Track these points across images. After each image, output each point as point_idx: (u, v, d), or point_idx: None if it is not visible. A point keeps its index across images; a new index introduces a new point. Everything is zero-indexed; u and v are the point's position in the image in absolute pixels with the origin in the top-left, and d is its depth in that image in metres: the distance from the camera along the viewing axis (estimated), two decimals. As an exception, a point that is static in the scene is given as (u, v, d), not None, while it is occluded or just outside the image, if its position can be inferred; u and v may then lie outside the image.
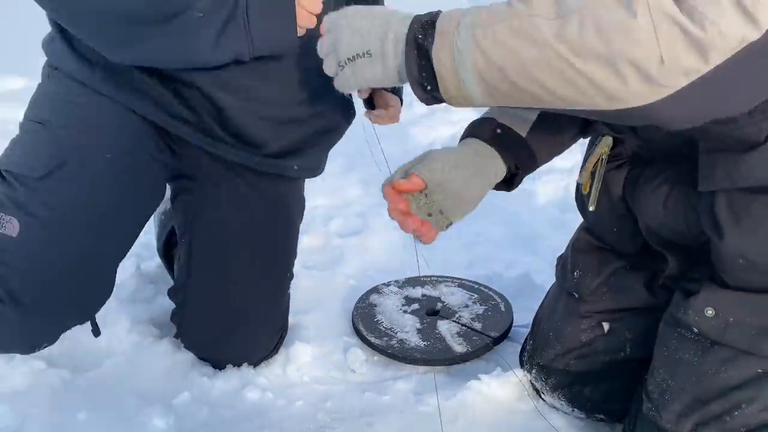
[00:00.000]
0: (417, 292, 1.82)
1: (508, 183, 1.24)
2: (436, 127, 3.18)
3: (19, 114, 1.41)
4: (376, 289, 1.84)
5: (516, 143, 1.19)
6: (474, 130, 1.21)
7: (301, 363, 1.55)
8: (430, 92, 0.95)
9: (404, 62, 0.94)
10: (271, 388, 1.47)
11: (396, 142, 3.00)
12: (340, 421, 1.38)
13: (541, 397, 1.41)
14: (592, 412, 1.36)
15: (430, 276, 1.90)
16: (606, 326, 1.33)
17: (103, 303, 1.34)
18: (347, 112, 1.56)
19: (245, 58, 1.23)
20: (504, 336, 1.63)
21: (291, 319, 1.69)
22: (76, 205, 1.23)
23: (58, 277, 1.21)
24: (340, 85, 1.03)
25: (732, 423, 1.05)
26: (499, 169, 1.18)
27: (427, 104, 0.99)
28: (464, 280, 1.87)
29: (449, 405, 1.39)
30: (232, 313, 1.48)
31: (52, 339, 1.32)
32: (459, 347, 1.59)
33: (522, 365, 1.48)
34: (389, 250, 2.11)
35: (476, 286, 1.83)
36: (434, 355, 1.57)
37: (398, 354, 1.58)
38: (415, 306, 1.76)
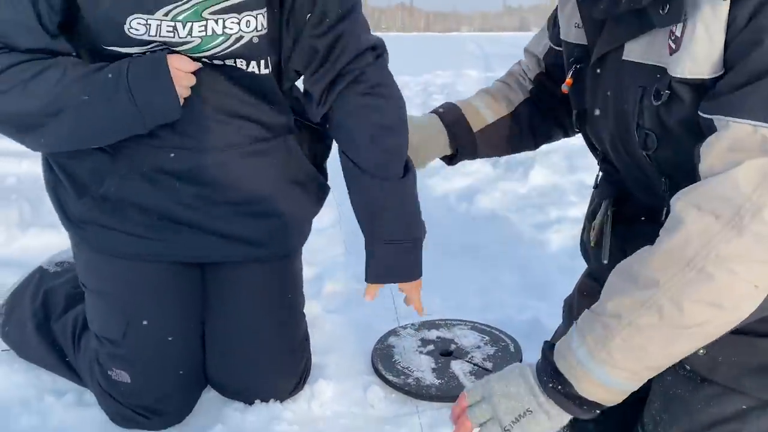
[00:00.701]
0: (432, 334, 1.95)
1: (450, 158, 1.66)
2: (451, 179, 3.33)
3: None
4: (393, 332, 1.96)
5: (465, 133, 1.58)
6: (440, 109, 1.62)
7: (324, 399, 1.67)
8: (586, 410, 1.10)
9: (560, 406, 1.09)
10: (297, 421, 1.59)
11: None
12: (359, 451, 1.48)
13: (547, 431, 1.51)
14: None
15: (445, 319, 2.02)
16: None
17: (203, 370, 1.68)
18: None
19: (142, 131, 1.40)
20: (513, 375, 1.74)
21: (314, 359, 1.82)
22: (153, 343, 1.56)
23: (172, 386, 1.59)
24: None
25: None
26: (445, 144, 1.60)
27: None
28: (477, 323, 1.99)
29: (461, 439, 1.50)
30: (251, 367, 1.63)
31: (192, 408, 1.65)
32: (471, 384, 1.69)
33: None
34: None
35: (488, 329, 1.95)
36: (448, 392, 1.68)
37: (414, 391, 1.69)
38: (431, 347, 1.88)
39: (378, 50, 1.53)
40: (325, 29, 1.45)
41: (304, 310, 1.91)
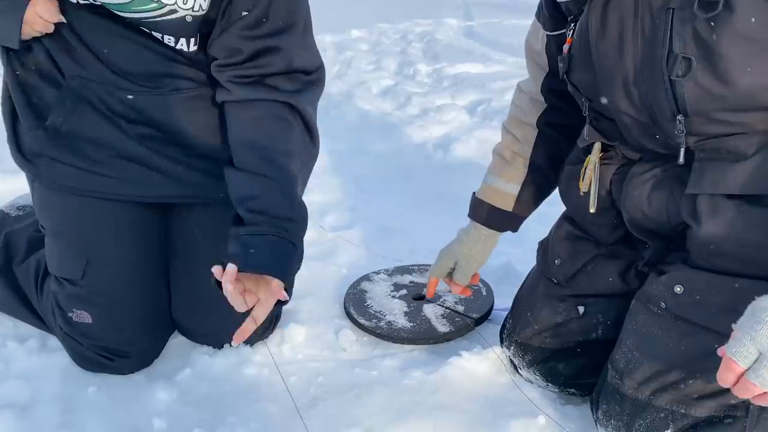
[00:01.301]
0: (405, 279, 1.94)
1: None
2: (428, 127, 3.29)
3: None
4: (366, 277, 1.95)
5: (506, 219, 1.62)
6: (473, 213, 1.66)
7: (295, 343, 1.66)
8: None
9: None
10: (267, 365, 1.58)
11: (390, 142, 3.13)
12: (331, 394, 1.48)
13: (517, 371, 1.52)
14: (564, 386, 1.46)
15: (419, 264, 2.01)
16: (581, 309, 1.44)
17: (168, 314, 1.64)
18: None
19: None
20: (485, 318, 1.74)
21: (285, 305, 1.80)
22: (114, 282, 1.53)
23: (134, 327, 1.55)
24: None
25: (686, 390, 1.16)
26: (496, 237, 1.67)
27: None
28: (450, 268, 1.98)
29: (431, 379, 1.50)
30: (218, 310, 1.54)
31: (159, 352, 1.63)
32: (442, 328, 1.70)
33: (501, 343, 1.59)
34: (379, 242, 2.22)
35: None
36: (419, 335, 1.68)
37: (386, 334, 1.69)
38: (403, 291, 1.87)
39: (312, 75, 1.46)
40: (256, 35, 1.39)
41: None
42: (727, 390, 1.11)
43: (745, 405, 1.10)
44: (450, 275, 1.69)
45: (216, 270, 1.29)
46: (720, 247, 1.17)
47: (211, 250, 1.59)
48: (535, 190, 1.59)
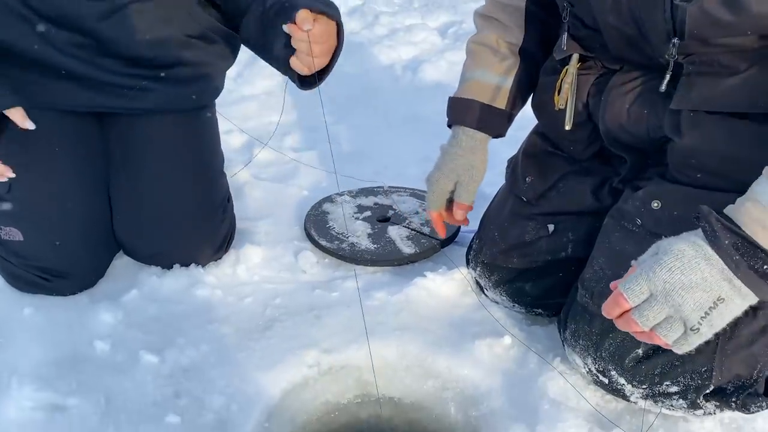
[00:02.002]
0: (369, 201, 1.84)
1: None
2: (397, 47, 3.13)
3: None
4: (329, 198, 1.85)
5: (499, 118, 1.39)
6: (460, 117, 1.40)
7: (252, 264, 1.57)
8: None
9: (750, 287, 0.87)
10: (220, 286, 1.49)
11: (357, 63, 2.97)
12: (288, 315, 1.41)
13: (483, 293, 1.46)
14: (531, 306, 1.41)
15: (383, 186, 1.92)
16: (551, 228, 1.37)
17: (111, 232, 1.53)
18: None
19: None
20: (451, 239, 1.67)
21: (241, 225, 1.70)
22: (46, 196, 1.41)
23: (71, 244, 1.43)
24: (688, 345, 0.92)
25: None
26: (487, 145, 1.43)
27: None
28: (416, 190, 1.90)
29: (395, 299, 1.44)
30: (163, 228, 1.50)
31: (102, 273, 1.52)
32: (407, 249, 1.62)
33: (467, 264, 1.52)
34: (343, 164, 2.11)
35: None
36: (383, 257, 1.60)
37: (348, 256, 1.61)
38: (367, 213, 1.78)
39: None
40: None
41: (234, 177, 1.77)
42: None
43: (717, 322, 1.06)
44: (449, 202, 1.45)
45: (288, 26, 1.18)
46: (701, 161, 1.10)
47: (154, 163, 1.48)
48: (525, 83, 1.39)
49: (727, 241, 0.86)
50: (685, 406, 1.09)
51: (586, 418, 1.13)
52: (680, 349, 0.91)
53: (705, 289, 0.86)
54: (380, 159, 2.15)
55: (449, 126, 1.45)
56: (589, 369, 1.17)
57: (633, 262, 0.95)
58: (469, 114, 1.38)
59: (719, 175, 1.08)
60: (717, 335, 1.05)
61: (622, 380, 1.12)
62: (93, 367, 1.25)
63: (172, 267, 1.51)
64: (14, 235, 1.38)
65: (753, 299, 0.87)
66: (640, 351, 1.10)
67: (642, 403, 1.13)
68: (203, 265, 1.53)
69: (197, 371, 1.25)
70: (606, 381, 1.15)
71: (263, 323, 1.39)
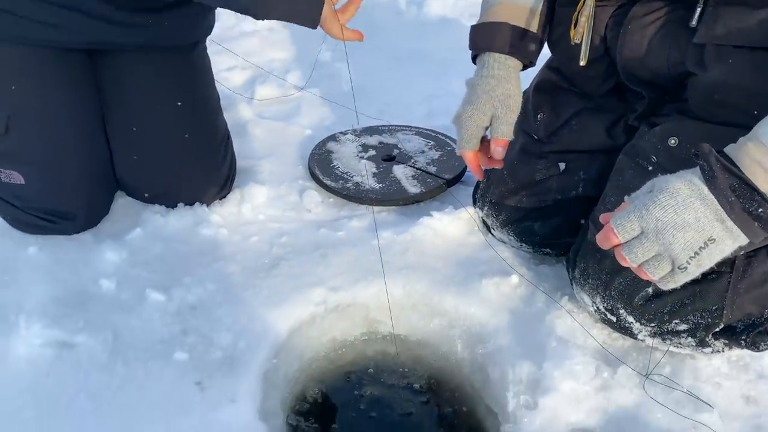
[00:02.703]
0: (374, 139, 1.80)
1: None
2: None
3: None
4: (333, 137, 1.82)
5: (533, 43, 1.24)
6: (488, 42, 1.24)
7: (256, 203, 1.55)
8: None
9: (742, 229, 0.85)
10: (225, 225, 1.48)
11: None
12: (294, 254, 1.40)
13: (490, 232, 1.45)
14: (539, 246, 1.40)
15: (388, 125, 1.87)
16: (562, 166, 1.34)
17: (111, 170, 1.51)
18: None
19: None
20: (458, 178, 1.64)
21: (244, 163, 1.67)
22: (43, 137, 1.37)
23: (73, 185, 1.41)
24: (674, 282, 0.91)
25: None
26: (518, 73, 1.26)
27: None
28: (422, 128, 1.86)
29: (401, 239, 1.42)
30: (163, 166, 1.46)
31: (104, 212, 1.51)
32: (413, 189, 1.60)
33: (474, 203, 1.50)
34: (347, 101, 2.06)
35: (433, 134, 1.82)
36: (389, 196, 1.58)
37: (353, 195, 1.58)
38: (372, 152, 1.75)
39: None
40: None
41: (236, 115, 1.73)
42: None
43: (731, 261, 1.04)
44: (483, 137, 1.29)
45: None
46: (725, 96, 1.06)
47: (147, 101, 1.44)
48: (552, 8, 1.28)
49: (724, 182, 0.84)
50: (694, 344, 1.09)
51: (593, 355, 1.13)
52: (665, 286, 0.91)
53: (697, 229, 0.85)
54: (384, 97, 2.10)
55: (474, 58, 1.31)
56: (597, 308, 1.17)
57: (626, 197, 0.93)
58: (498, 38, 1.24)
59: (743, 111, 1.04)
60: (730, 274, 1.04)
61: (630, 318, 1.12)
62: (99, 305, 1.25)
63: (176, 206, 1.50)
64: (15, 177, 1.36)
65: (743, 240, 0.86)
66: (650, 290, 1.09)
67: (649, 341, 1.13)
68: (207, 204, 1.51)
69: (204, 309, 1.25)
70: (614, 319, 1.15)
71: (269, 262, 1.38)
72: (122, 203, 1.53)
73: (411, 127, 1.86)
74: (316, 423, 1.17)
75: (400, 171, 1.67)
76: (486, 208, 1.43)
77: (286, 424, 1.13)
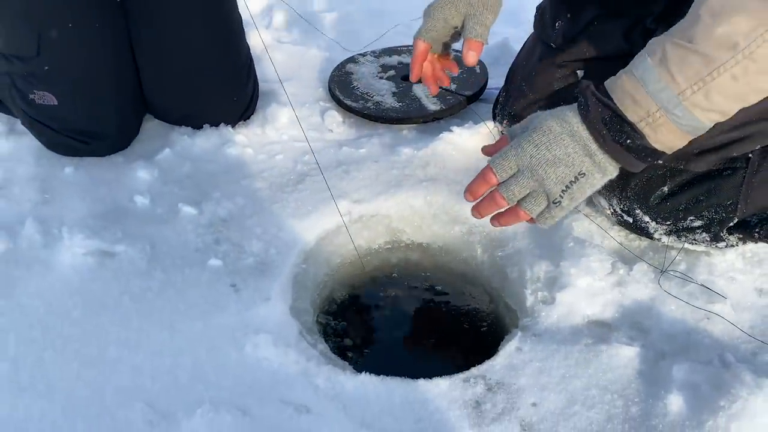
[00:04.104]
0: (393, 60, 1.81)
1: None
2: None
3: None
4: (352, 59, 1.82)
5: None
6: None
7: (279, 124, 1.59)
8: (649, 161, 0.89)
9: (617, 162, 0.88)
10: (250, 145, 1.52)
11: None
12: (318, 170, 1.44)
13: (510, 145, 1.47)
14: (558, 157, 1.42)
15: (407, 45, 1.87)
16: (580, 74, 1.34)
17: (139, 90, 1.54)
18: None
19: None
20: (478, 95, 1.65)
21: (266, 87, 1.70)
22: (74, 57, 1.40)
23: (104, 105, 1.45)
24: (551, 218, 0.93)
25: (686, 146, 1.06)
26: None
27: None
28: (441, 48, 1.85)
29: (421, 154, 1.45)
30: (189, 86, 1.49)
31: (135, 133, 1.55)
32: (433, 106, 1.61)
33: (494, 118, 1.51)
34: (366, 20, 2.06)
35: (453, 52, 1.81)
36: (409, 114, 1.60)
37: (374, 114, 1.61)
38: (391, 72, 1.76)
39: None
40: None
41: (255, 41, 1.73)
42: (730, 143, 1.07)
43: (745, 156, 1.06)
44: (447, 42, 1.25)
45: None
46: None
47: (176, 19, 1.45)
48: None
49: (596, 115, 0.86)
50: (708, 239, 1.12)
51: (609, 253, 1.17)
52: (544, 224, 0.94)
53: (567, 164, 0.88)
54: (404, 17, 2.08)
55: None
56: (614, 210, 1.20)
57: (504, 131, 0.95)
58: None
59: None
60: (744, 169, 1.06)
61: (646, 218, 1.15)
62: (135, 219, 1.32)
63: (202, 127, 1.54)
64: (48, 99, 1.40)
65: (613, 173, 0.90)
66: (665, 188, 1.12)
67: (665, 239, 1.16)
68: (232, 126, 1.55)
69: (235, 221, 1.31)
70: (630, 220, 1.18)
71: (295, 177, 1.42)
72: (150, 126, 1.58)
73: (430, 47, 1.86)
74: (344, 321, 1.24)
75: (419, 90, 1.68)
76: (506, 120, 1.45)
77: (316, 323, 1.20)
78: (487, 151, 0.99)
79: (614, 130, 0.86)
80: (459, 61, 1.27)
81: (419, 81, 1.32)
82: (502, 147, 0.94)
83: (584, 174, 0.89)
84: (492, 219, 0.97)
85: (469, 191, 0.96)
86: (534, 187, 0.91)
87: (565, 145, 0.88)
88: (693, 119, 0.83)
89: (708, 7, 0.80)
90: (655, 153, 0.87)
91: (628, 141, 0.86)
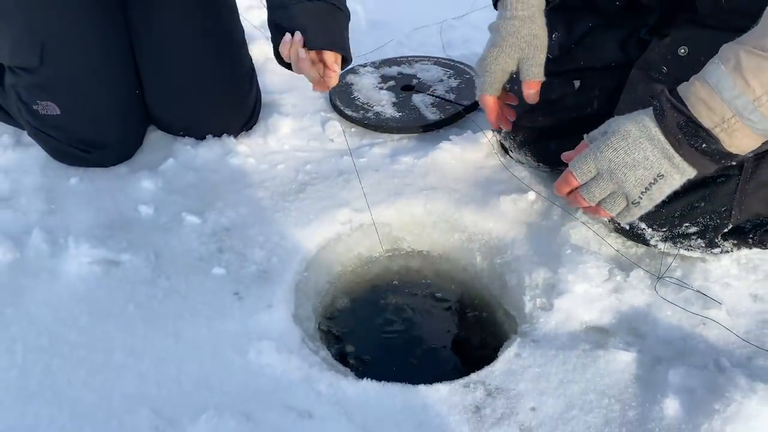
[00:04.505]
0: (393, 71, 1.84)
1: None
2: None
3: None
4: (352, 70, 1.85)
5: None
6: None
7: (281, 134, 1.61)
8: (723, 164, 0.93)
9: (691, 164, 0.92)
10: (252, 155, 1.54)
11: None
12: (319, 179, 1.46)
13: (508, 154, 1.49)
14: (556, 165, 1.43)
15: (407, 56, 1.90)
16: (576, 84, 1.36)
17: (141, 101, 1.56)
18: None
19: None
20: (477, 104, 1.67)
21: (267, 98, 1.73)
22: (77, 67, 1.42)
23: (107, 115, 1.48)
24: (630, 216, 0.99)
25: None
26: (542, 10, 1.24)
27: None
28: (440, 58, 1.88)
29: (421, 163, 1.48)
30: (192, 98, 1.51)
31: (138, 144, 1.58)
32: (432, 116, 1.64)
33: (491, 127, 1.54)
34: (366, 32, 2.09)
35: (452, 63, 1.85)
36: (408, 124, 1.62)
37: (374, 124, 1.63)
38: (391, 83, 1.78)
39: None
40: None
41: (256, 52, 1.76)
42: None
43: (739, 163, 1.08)
44: (506, 84, 1.28)
45: (283, 46, 1.19)
46: (733, 1, 1.07)
47: (178, 29, 1.48)
48: None
49: (672, 120, 0.89)
50: (703, 245, 1.14)
51: (606, 260, 1.19)
52: (623, 220, 1.00)
53: (646, 167, 0.92)
54: (401, 29, 2.11)
55: (495, 1, 1.29)
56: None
57: (585, 137, 1.01)
58: None
59: (752, 16, 1.06)
60: (738, 176, 1.08)
61: (642, 224, 1.17)
62: (140, 228, 1.34)
63: (204, 138, 1.56)
64: (51, 109, 1.42)
65: (692, 173, 0.94)
66: (662, 195, 1.14)
67: (661, 245, 1.18)
68: (235, 136, 1.57)
69: (237, 230, 1.33)
70: (627, 227, 1.19)
71: (296, 187, 1.45)
72: (154, 137, 1.60)
73: (429, 57, 1.89)
74: (345, 328, 1.26)
75: (419, 99, 1.70)
76: (503, 130, 1.47)
77: (318, 330, 1.22)
78: (567, 157, 1.03)
79: (690, 135, 0.89)
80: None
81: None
82: (583, 150, 0.99)
83: (663, 175, 0.93)
84: (583, 210, 1.03)
85: (557, 190, 1.02)
86: (614, 189, 0.96)
87: (644, 149, 0.92)
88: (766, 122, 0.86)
89: None
90: (730, 155, 0.90)
91: (704, 146, 0.89)
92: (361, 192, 1.38)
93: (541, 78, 1.24)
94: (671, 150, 0.91)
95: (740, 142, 0.89)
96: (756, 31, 0.87)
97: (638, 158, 0.92)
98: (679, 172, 0.92)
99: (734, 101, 0.86)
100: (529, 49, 1.22)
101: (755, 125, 0.86)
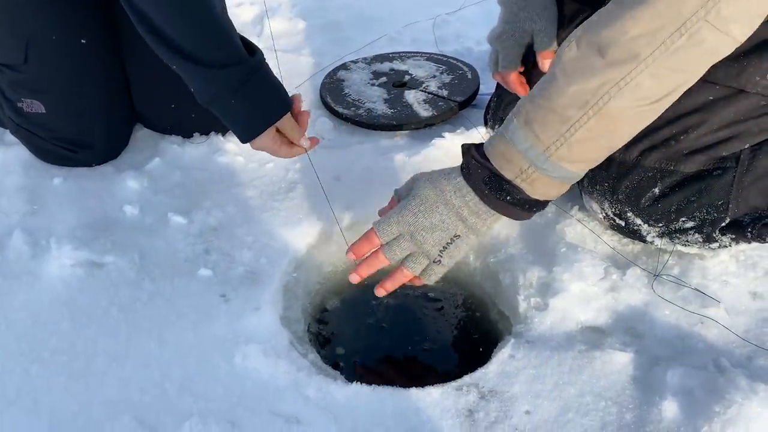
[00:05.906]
0: (385, 67, 1.81)
1: None
2: None
3: None
4: (343, 66, 1.82)
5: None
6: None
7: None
8: (535, 211, 0.97)
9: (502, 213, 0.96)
10: (241, 153, 1.51)
11: None
12: (310, 177, 1.42)
13: (502, 150, 1.46)
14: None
15: (399, 52, 1.87)
16: None
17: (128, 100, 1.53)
18: None
19: None
20: (470, 101, 1.65)
21: (258, 94, 1.69)
22: (62, 64, 1.39)
23: (93, 114, 1.44)
24: (435, 275, 1.03)
25: (677, 146, 1.10)
26: None
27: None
28: (433, 54, 1.85)
29: (414, 160, 1.45)
30: (178, 97, 1.45)
31: (124, 143, 1.54)
32: (425, 112, 1.61)
33: (486, 123, 1.51)
34: (357, 28, 2.06)
35: (444, 59, 1.82)
36: (401, 121, 1.59)
37: (365, 121, 1.60)
38: (383, 79, 1.75)
39: None
40: None
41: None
42: (718, 143, 1.07)
43: (735, 155, 1.06)
44: (521, 60, 1.33)
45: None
46: None
47: None
48: None
49: (477, 177, 0.95)
50: (701, 240, 1.11)
51: (602, 258, 1.16)
52: (428, 280, 1.03)
53: (443, 229, 0.98)
54: (392, 24, 2.08)
55: None
56: (606, 213, 1.19)
57: (394, 192, 1.07)
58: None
59: None
60: (735, 168, 1.06)
61: (638, 220, 1.14)
62: (125, 229, 1.30)
63: (191, 136, 1.53)
64: (36, 107, 1.39)
65: (486, 233, 1.00)
66: (656, 190, 1.11)
67: (658, 242, 1.15)
68: (223, 134, 1.54)
69: (225, 230, 1.30)
70: (623, 223, 1.17)
71: (285, 186, 1.41)
72: (140, 136, 1.57)
73: (422, 53, 1.86)
74: (335, 330, 1.23)
75: (411, 96, 1.67)
76: (497, 125, 1.44)
77: (307, 332, 1.18)
78: (382, 212, 1.08)
79: (495, 189, 0.94)
80: None
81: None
82: (392, 208, 1.04)
83: (459, 236, 0.98)
84: (378, 287, 1.05)
85: (353, 251, 1.04)
86: (413, 249, 1.01)
87: (440, 212, 0.97)
88: (563, 170, 0.91)
89: (561, 67, 0.88)
90: (538, 203, 0.95)
91: (508, 197, 0.94)
92: (356, 189, 1.35)
93: (555, 47, 1.26)
94: (465, 212, 0.96)
95: (542, 190, 0.93)
96: (543, 81, 0.91)
97: (435, 222, 0.97)
98: (474, 232, 0.98)
99: (528, 153, 0.90)
100: (541, 21, 1.28)
101: (551, 174, 0.91)
